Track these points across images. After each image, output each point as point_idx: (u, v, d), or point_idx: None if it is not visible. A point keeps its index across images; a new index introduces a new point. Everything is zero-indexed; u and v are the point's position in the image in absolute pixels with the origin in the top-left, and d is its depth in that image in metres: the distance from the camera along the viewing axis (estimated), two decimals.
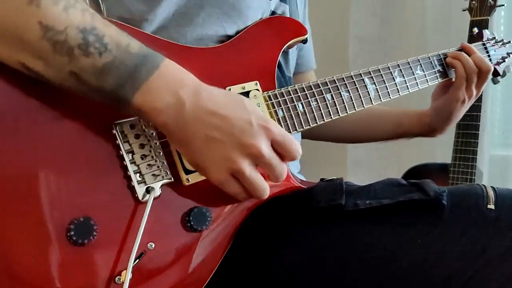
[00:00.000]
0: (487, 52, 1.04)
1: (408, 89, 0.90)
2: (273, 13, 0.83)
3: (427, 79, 0.93)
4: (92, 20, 0.56)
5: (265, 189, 0.63)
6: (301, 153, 0.65)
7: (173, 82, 0.58)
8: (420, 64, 0.92)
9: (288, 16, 0.85)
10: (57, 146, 0.59)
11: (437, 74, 0.95)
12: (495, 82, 1.10)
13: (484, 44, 1.04)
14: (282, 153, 0.63)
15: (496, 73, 1.06)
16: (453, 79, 0.97)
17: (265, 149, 0.60)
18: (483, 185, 0.71)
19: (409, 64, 0.91)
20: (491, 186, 0.71)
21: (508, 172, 1.74)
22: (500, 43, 1.08)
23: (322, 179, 0.81)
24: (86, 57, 0.55)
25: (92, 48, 0.55)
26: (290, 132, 0.75)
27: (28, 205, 0.56)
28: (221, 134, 0.59)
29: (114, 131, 0.62)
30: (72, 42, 0.55)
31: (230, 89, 0.72)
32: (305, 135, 1.05)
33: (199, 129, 0.58)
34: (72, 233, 0.57)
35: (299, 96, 0.76)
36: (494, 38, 1.08)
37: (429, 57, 0.94)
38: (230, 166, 0.59)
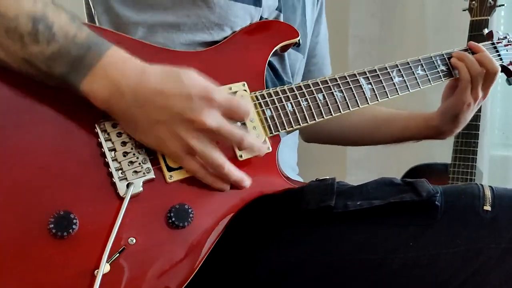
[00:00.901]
0: (497, 52, 1.00)
1: (408, 89, 0.88)
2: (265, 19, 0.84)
3: (429, 78, 0.90)
4: (43, 8, 0.59)
5: (224, 163, 0.64)
6: (250, 111, 0.66)
7: (115, 70, 0.61)
8: (422, 64, 0.90)
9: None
10: (41, 143, 0.61)
11: (441, 74, 0.92)
12: (510, 82, 1.06)
13: (493, 44, 1.01)
14: (232, 116, 0.64)
15: (510, 73, 1.02)
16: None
17: (210, 121, 0.61)
18: (481, 184, 0.69)
19: (409, 64, 0.89)
20: (489, 186, 0.68)
21: (508, 172, 1.71)
22: None
23: (317, 179, 0.80)
24: (35, 44, 0.59)
25: (41, 36, 0.59)
26: (279, 131, 0.75)
27: (10, 198, 0.58)
28: (163, 114, 0.61)
29: (97, 130, 0.64)
30: (22, 29, 0.58)
31: None
32: (310, 139, 1.05)
33: (141, 113, 0.61)
34: (52, 225, 0.59)
35: (288, 96, 0.76)
36: (507, 37, 1.04)
37: (431, 57, 0.92)
38: (180, 144, 0.61)
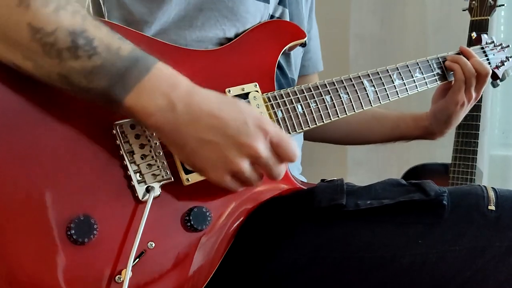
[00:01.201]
0: (486, 56, 1.04)
1: (407, 91, 0.90)
2: (272, 17, 0.84)
3: (426, 81, 0.93)
4: (82, 22, 0.56)
5: (259, 183, 0.63)
6: (298, 155, 0.65)
7: (165, 84, 0.58)
8: (419, 67, 0.93)
9: (288, 19, 0.86)
10: (58, 146, 0.59)
11: (436, 77, 0.95)
12: (494, 85, 1.10)
13: (482, 48, 1.05)
14: (279, 154, 0.62)
15: (495, 77, 1.07)
16: (452, 82, 0.97)
17: (263, 149, 0.60)
18: (484, 186, 0.71)
19: (408, 67, 0.91)
20: (492, 187, 0.71)
21: (508, 172, 1.73)
22: (499, 47, 1.08)
23: (322, 180, 0.81)
24: (75, 59, 0.55)
25: (81, 51, 0.55)
26: (289, 133, 0.75)
27: (29, 204, 0.56)
28: (216, 135, 0.58)
29: (114, 131, 0.62)
30: (61, 44, 0.55)
31: (229, 91, 0.72)
32: (306, 137, 1.06)
33: (192, 132, 0.58)
34: (73, 231, 0.57)
35: (298, 97, 0.77)
36: (493, 42, 1.08)
37: (427, 60, 0.95)
38: (228, 167, 0.59)
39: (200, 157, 0.59)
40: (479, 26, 1.27)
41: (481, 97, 1.18)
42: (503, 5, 1.32)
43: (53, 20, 0.54)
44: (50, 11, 0.55)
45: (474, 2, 1.35)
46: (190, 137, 0.58)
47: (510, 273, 0.64)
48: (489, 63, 1.04)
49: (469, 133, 1.41)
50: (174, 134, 0.58)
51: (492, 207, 0.67)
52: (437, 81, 0.96)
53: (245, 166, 0.60)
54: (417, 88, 0.92)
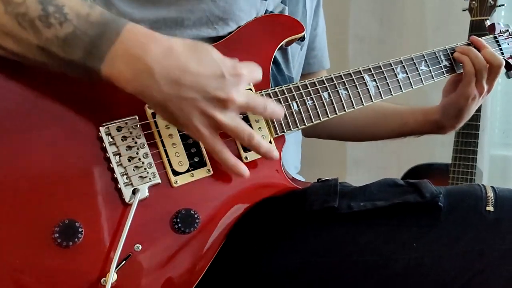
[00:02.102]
0: (499, 45, 0.99)
1: (411, 85, 0.87)
2: (270, 13, 0.81)
3: (432, 74, 0.90)
4: None
5: (253, 133, 0.64)
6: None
7: (137, 46, 0.58)
8: (425, 59, 0.89)
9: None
10: (43, 149, 0.59)
11: (444, 70, 0.91)
12: (509, 76, 1.05)
13: (495, 37, 1.00)
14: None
15: (510, 67, 1.02)
16: (462, 75, 0.93)
17: (240, 98, 0.61)
18: (483, 185, 0.69)
19: (413, 60, 0.88)
20: (491, 186, 0.69)
21: (508, 172, 1.72)
22: None
23: (319, 180, 0.80)
24: (48, 28, 0.56)
25: (52, 19, 0.56)
26: (284, 132, 0.74)
27: (14, 208, 0.57)
28: (196, 92, 0.59)
29: (101, 134, 0.62)
30: (32, 13, 0.56)
31: None
32: (309, 134, 1.04)
33: (173, 91, 0.58)
34: (57, 235, 0.58)
35: (293, 95, 0.75)
36: (508, 30, 1.03)
37: (434, 52, 0.91)
38: (212, 122, 0.61)
39: (182, 114, 0.60)
40: (479, 26, 1.23)
41: None
42: (503, 5, 1.29)
43: None
44: None
45: (474, 2, 1.32)
46: (171, 97, 0.59)
47: (509, 277, 0.63)
48: (502, 53, 0.99)
49: (469, 133, 1.39)
50: (155, 96, 0.59)
51: (490, 208, 0.65)
52: (444, 74, 0.92)
53: (223, 117, 0.61)
54: (422, 81, 0.88)
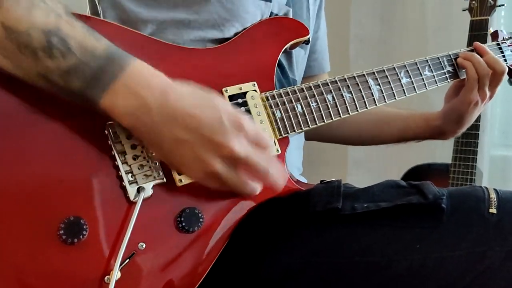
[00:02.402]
0: (502, 52, 1.00)
1: (415, 90, 0.87)
2: (275, 15, 0.82)
3: (435, 80, 0.90)
4: (56, 21, 0.56)
5: (246, 184, 0.62)
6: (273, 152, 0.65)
7: (140, 84, 0.58)
8: (429, 64, 0.90)
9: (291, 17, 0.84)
10: (49, 147, 0.60)
11: (447, 75, 0.92)
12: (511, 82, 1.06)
13: (498, 44, 1.01)
14: (258, 146, 0.61)
15: None
16: (465, 81, 0.94)
17: (238, 147, 0.59)
18: (485, 187, 0.69)
19: (417, 65, 0.88)
20: (494, 189, 0.69)
21: (508, 172, 1.72)
22: None
23: (322, 181, 0.80)
24: (50, 59, 0.56)
25: (56, 51, 0.55)
26: (288, 133, 0.74)
27: (19, 204, 0.57)
28: (191, 135, 0.58)
29: (106, 132, 0.62)
30: (35, 44, 0.55)
31: (226, 90, 0.71)
32: (311, 137, 1.04)
33: (168, 131, 0.58)
34: (62, 232, 0.58)
35: (298, 96, 0.75)
36: (511, 38, 1.04)
37: (438, 58, 0.92)
38: (203, 168, 0.59)
39: (177, 156, 0.59)
40: (479, 26, 1.24)
41: None
42: (503, 5, 1.30)
43: (25, 19, 0.55)
44: (23, 10, 0.55)
45: (474, 2, 1.33)
46: (166, 137, 0.58)
47: (511, 279, 0.62)
48: (505, 60, 1.00)
49: (469, 133, 1.39)
50: (151, 134, 0.59)
51: (493, 210, 0.65)
52: (447, 79, 0.92)
53: (220, 167, 0.59)
54: (426, 86, 0.89)
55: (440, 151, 1.56)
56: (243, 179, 0.61)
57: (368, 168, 1.90)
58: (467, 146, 1.41)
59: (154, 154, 0.63)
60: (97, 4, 0.76)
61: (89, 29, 0.59)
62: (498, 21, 1.67)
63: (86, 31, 0.58)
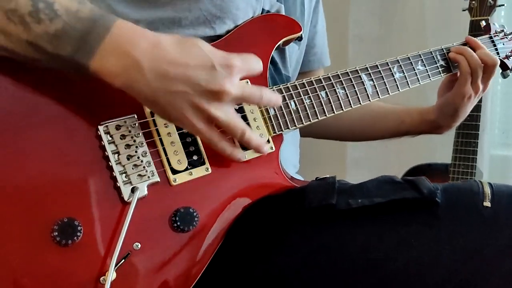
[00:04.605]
0: (494, 45, 1.00)
1: (408, 85, 0.87)
2: (267, 12, 0.82)
3: (428, 74, 0.90)
4: None
5: (246, 128, 0.64)
6: (261, 66, 0.66)
7: (126, 42, 0.58)
8: (422, 59, 0.90)
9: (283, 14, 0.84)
10: (42, 148, 0.59)
11: (440, 69, 0.92)
12: (505, 76, 1.06)
13: (491, 37, 1.01)
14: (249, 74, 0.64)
15: (505, 67, 1.03)
16: (458, 74, 0.94)
17: (234, 89, 0.60)
18: (480, 181, 0.69)
19: (410, 60, 0.88)
20: (488, 182, 0.69)
21: (508, 172, 1.72)
22: (510, 36, 1.04)
23: (316, 178, 0.80)
24: (38, 24, 0.56)
25: (42, 14, 0.56)
26: (282, 130, 0.74)
27: (12, 206, 0.57)
28: (185, 85, 0.59)
29: (99, 132, 0.62)
30: (22, 9, 0.56)
31: None
32: (306, 133, 1.04)
33: (161, 85, 0.58)
34: (56, 233, 0.57)
35: (291, 94, 0.75)
36: (503, 31, 1.04)
37: (431, 52, 0.92)
38: (203, 115, 0.60)
39: (173, 109, 0.60)
40: (479, 26, 1.23)
41: (481, 97, 1.16)
42: (503, 5, 1.31)
43: None
44: None
45: (474, 2, 1.33)
46: (160, 91, 0.59)
47: (507, 273, 0.63)
48: (498, 53, 1.00)
49: (469, 133, 1.39)
50: (145, 91, 0.59)
51: (487, 204, 0.65)
52: (440, 74, 0.92)
53: (218, 111, 0.61)
54: (419, 81, 0.89)
55: (440, 151, 1.56)
56: (238, 119, 0.63)
57: (367, 168, 1.90)
58: (467, 146, 1.41)
59: (150, 109, 0.64)
60: None
61: None
62: (498, 21, 1.66)
63: None
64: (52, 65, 0.59)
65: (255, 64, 0.65)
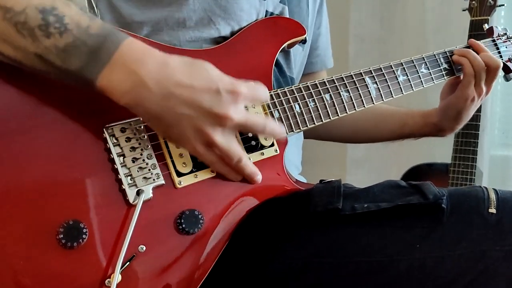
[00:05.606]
0: (497, 48, 1.00)
1: (412, 88, 0.87)
2: (271, 14, 0.82)
3: (432, 77, 0.90)
4: (52, 0, 0.57)
5: (242, 157, 0.65)
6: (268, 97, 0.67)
7: (135, 60, 0.58)
8: (425, 62, 0.90)
9: (287, 16, 0.84)
10: (48, 150, 0.59)
11: (443, 72, 0.92)
12: (508, 79, 1.06)
13: (494, 41, 1.01)
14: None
15: (508, 70, 1.03)
16: (461, 77, 0.94)
17: (238, 116, 0.61)
18: (485, 187, 0.69)
19: (413, 63, 0.88)
20: (493, 189, 0.69)
21: (508, 172, 1.73)
22: None
23: (321, 181, 0.80)
24: (47, 38, 0.56)
25: (52, 29, 0.56)
26: (286, 133, 0.74)
27: (18, 208, 0.57)
28: (189, 108, 0.59)
29: (105, 135, 0.62)
30: (32, 22, 0.56)
31: None
32: (308, 135, 1.04)
33: (166, 107, 0.59)
34: (62, 236, 0.57)
35: (296, 96, 0.75)
36: (506, 34, 1.04)
37: (434, 55, 0.92)
38: (203, 139, 0.61)
39: (176, 130, 0.60)
40: (479, 26, 1.24)
41: None
42: (503, 5, 1.31)
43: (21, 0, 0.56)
44: None
45: (474, 2, 1.33)
46: (164, 112, 0.59)
47: (511, 279, 0.63)
48: (501, 56, 1.00)
49: (469, 133, 1.40)
50: (149, 111, 0.59)
51: (492, 210, 0.65)
52: (444, 77, 0.92)
53: (219, 137, 0.61)
54: (422, 84, 0.89)
55: (440, 151, 1.56)
56: (238, 148, 0.64)
57: (367, 168, 1.91)
58: (467, 146, 1.41)
59: (153, 129, 0.64)
60: (95, 7, 0.75)
61: (83, 9, 0.60)
62: (498, 21, 1.67)
63: (80, 11, 0.59)
64: (60, 78, 0.59)
65: (261, 93, 0.65)
